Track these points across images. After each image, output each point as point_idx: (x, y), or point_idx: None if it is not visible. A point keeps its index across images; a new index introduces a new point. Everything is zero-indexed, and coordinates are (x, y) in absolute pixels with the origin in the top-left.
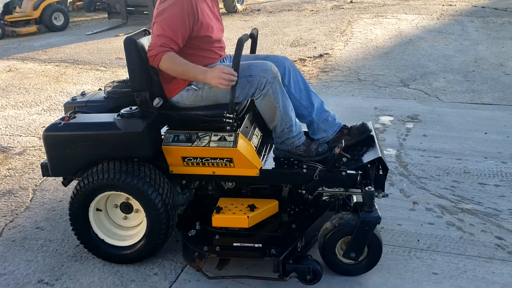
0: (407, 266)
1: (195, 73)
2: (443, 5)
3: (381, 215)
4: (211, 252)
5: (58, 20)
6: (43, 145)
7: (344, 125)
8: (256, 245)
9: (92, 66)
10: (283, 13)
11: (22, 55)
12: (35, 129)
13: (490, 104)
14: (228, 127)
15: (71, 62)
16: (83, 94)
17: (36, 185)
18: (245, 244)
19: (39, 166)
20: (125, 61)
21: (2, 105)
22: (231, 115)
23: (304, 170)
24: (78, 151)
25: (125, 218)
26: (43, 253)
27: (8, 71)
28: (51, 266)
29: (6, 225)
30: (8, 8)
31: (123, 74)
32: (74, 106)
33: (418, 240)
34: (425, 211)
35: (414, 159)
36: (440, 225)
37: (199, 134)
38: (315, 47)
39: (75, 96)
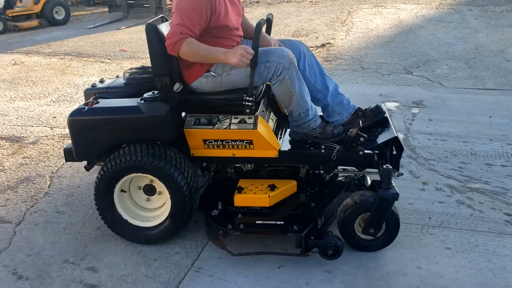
0: (420, 242)
1: (216, 55)
2: None
3: (399, 192)
4: (235, 229)
5: (59, 14)
6: (68, 130)
7: (359, 108)
8: (278, 223)
9: (97, 58)
10: (283, 5)
11: (25, 48)
12: (46, 120)
13: (493, 89)
14: (247, 110)
15: (75, 55)
16: (101, 81)
17: (52, 172)
18: (268, 222)
19: (54, 154)
20: (129, 53)
21: (11, 97)
22: (251, 98)
23: (322, 151)
24: (102, 135)
25: (148, 200)
26: (66, 236)
27: (14, 64)
28: (75, 247)
29: (27, 210)
30: (9, 3)
31: (128, 65)
32: (95, 92)
33: (430, 217)
34: (434, 190)
35: (421, 142)
36: (450, 203)
37: (220, 117)
38: (316, 37)
39: (94, 83)
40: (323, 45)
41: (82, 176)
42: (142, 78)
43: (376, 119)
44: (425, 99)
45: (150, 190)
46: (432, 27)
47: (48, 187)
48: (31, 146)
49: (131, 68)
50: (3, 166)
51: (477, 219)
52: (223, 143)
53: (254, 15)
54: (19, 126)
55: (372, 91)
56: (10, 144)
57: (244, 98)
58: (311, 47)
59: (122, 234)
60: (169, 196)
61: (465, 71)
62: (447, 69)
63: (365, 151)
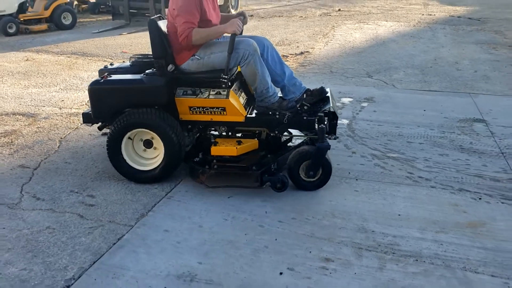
0: (337, 187)
1: (219, 30)
2: (423, 15)
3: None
4: (211, 169)
5: (67, 20)
6: (88, 96)
7: (308, 89)
8: (242, 165)
9: (100, 58)
10: (274, 19)
11: (36, 48)
12: (55, 102)
13: (436, 91)
14: (223, 85)
15: (80, 55)
16: (111, 64)
17: (61, 138)
18: (234, 164)
19: (62, 126)
20: (129, 54)
21: (25, 85)
22: (226, 76)
23: (277, 116)
24: (114, 100)
25: (144, 150)
26: (72, 176)
27: (26, 60)
28: (79, 183)
29: (42, 160)
30: (22, 8)
31: None
32: (106, 72)
33: (349, 173)
34: (359, 157)
35: (361, 126)
36: (369, 165)
37: (202, 89)
38: (297, 46)
39: (106, 65)
40: (301, 53)
41: (86, 141)
42: (143, 62)
43: (320, 97)
44: (376, 96)
45: (148, 144)
46: (403, 41)
47: (58, 147)
48: (44, 120)
49: (135, 55)
50: (21, 133)
51: (385, 175)
52: (204, 109)
53: (246, 27)
54: (33, 106)
55: (333, 89)
56: (26, 118)
57: (222, 76)
58: (290, 54)
59: (124, 174)
60: (163, 150)
61: (418, 76)
62: (403, 75)
63: (308, 117)
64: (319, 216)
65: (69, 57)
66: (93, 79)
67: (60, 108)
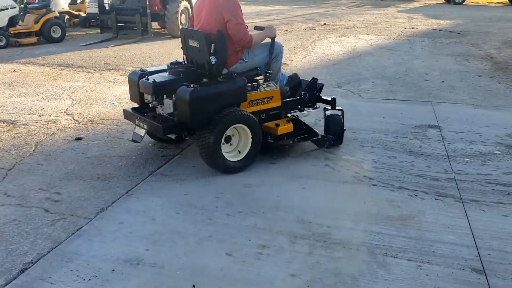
0: (287, 185)
1: (263, 35)
2: (405, 28)
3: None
4: (293, 141)
5: (56, 33)
6: (183, 107)
7: (288, 76)
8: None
9: (84, 69)
10: None
11: (24, 60)
12: (36, 110)
13: (400, 100)
14: (268, 79)
15: (66, 66)
16: (143, 70)
17: (37, 142)
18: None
19: (39, 132)
20: (112, 66)
21: (9, 94)
22: (270, 71)
23: (300, 97)
24: (214, 105)
25: (223, 144)
26: (42, 176)
27: (13, 71)
28: (47, 182)
29: (16, 162)
30: (12, 21)
31: (109, 75)
32: (146, 74)
33: (300, 172)
34: (313, 159)
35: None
36: (320, 166)
37: (258, 84)
38: None
39: (141, 69)
40: None
41: (59, 145)
42: (175, 69)
43: (297, 81)
44: (340, 105)
45: (227, 139)
46: (379, 53)
47: (33, 150)
48: (23, 126)
49: (171, 63)
50: (0, 138)
51: (332, 173)
52: (258, 101)
53: None
54: (14, 113)
55: None
56: (6, 125)
57: (266, 71)
58: None
59: (220, 168)
60: (250, 141)
61: (385, 87)
62: (371, 85)
63: (317, 93)
64: (264, 209)
65: (54, 68)
66: (186, 90)
67: (40, 116)
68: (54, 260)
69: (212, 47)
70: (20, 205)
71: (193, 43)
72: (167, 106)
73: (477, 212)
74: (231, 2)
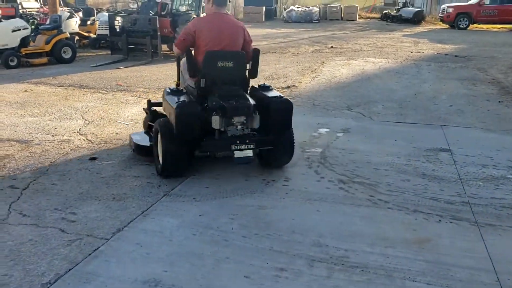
0: (301, 207)
1: None
2: (411, 52)
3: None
4: None
5: (67, 54)
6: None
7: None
8: None
9: (95, 90)
10: (267, 55)
11: (35, 80)
12: (48, 130)
13: (410, 123)
14: None
15: (77, 86)
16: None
17: (51, 162)
18: None
19: (53, 151)
20: (124, 87)
21: (21, 114)
22: None
23: None
24: None
25: None
26: (57, 196)
27: (24, 91)
28: (63, 202)
29: (31, 182)
30: (24, 42)
31: (121, 96)
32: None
33: (314, 195)
34: (327, 182)
35: (333, 154)
36: (334, 189)
37: None
38: (285, 81)
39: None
40: (288, 87)
41: (73, 165)
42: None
43: None
44: (352, 127)
45: None
46: (387, 77)
47: (47, 170)
48: (36, 146)
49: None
50: (14, 157)
51: (347, 197)
52: None
53: None
54: (27, 133)
55: (313, 120)
56: (19, 144)
57: None
58: (277, 88)
59: None
60: None
61: (395, 110)
62: (381, 108)
63: None
64: (280, 232)
65: (66, 88)
66: (281, 99)
67: (53, 135)
68: (71, 281)
69: (249, 65)
70: (36, 225)
71: (226, 63)
72: (256, 122)
73: (493, 236)
74: (243, 25)
